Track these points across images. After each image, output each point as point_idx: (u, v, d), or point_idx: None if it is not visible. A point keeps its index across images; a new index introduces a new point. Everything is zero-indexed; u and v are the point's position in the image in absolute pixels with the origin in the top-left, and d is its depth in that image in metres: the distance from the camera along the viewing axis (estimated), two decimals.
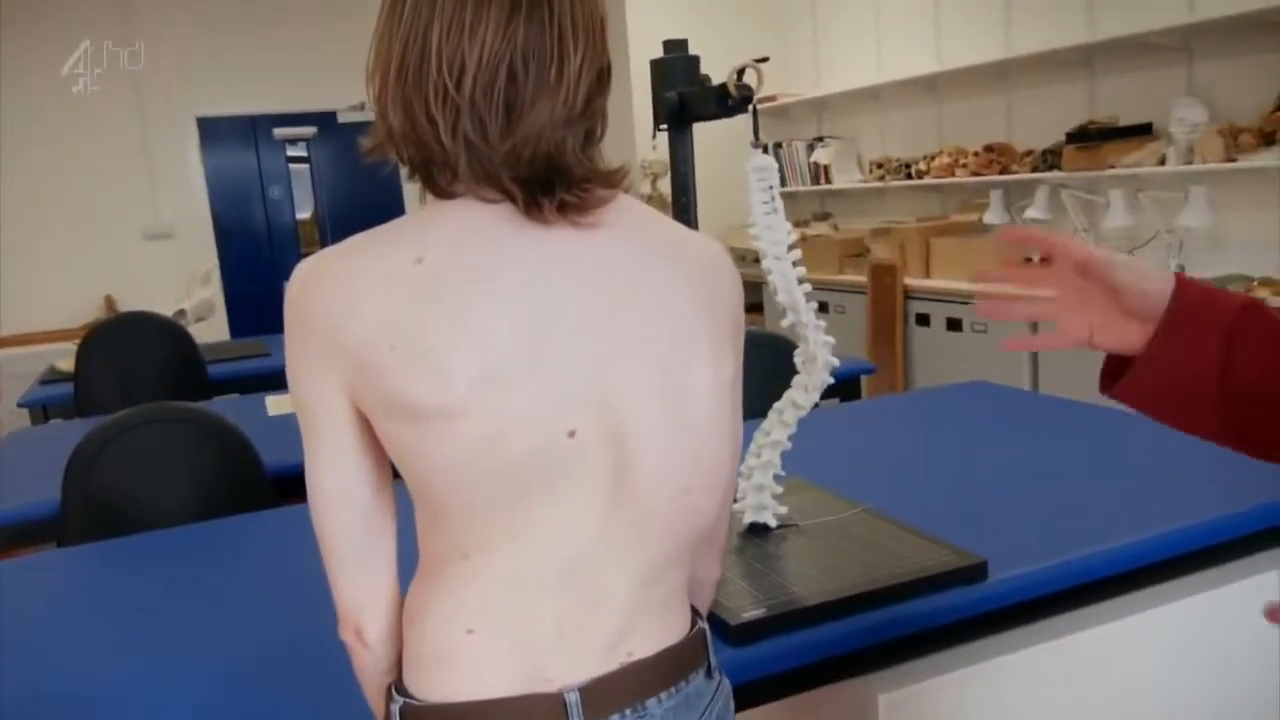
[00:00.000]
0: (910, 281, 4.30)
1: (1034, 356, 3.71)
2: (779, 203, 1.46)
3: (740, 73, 1.49)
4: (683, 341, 0.83)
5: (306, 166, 6.09)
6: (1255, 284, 3.19)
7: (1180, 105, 3.60)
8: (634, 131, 5.34)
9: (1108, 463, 1.83)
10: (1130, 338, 0.84)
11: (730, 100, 1.48)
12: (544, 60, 0.79)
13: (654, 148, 1.75)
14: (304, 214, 6.14)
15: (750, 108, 1.49)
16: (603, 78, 0.85)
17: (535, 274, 0.79)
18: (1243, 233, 3.55)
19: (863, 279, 4.49)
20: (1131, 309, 0.83)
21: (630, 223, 0.85)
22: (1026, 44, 4.29)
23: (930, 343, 4.20)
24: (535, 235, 0.80)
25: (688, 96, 1.56)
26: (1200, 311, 0.80)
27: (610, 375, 0.80)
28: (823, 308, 4.77)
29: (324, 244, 6.10)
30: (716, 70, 1.62)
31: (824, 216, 5.67)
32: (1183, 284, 0.81)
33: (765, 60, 1.50)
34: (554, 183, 0.80)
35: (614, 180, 0.86)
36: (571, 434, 0.78)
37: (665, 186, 5.19)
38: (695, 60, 1.62)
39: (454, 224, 0.80)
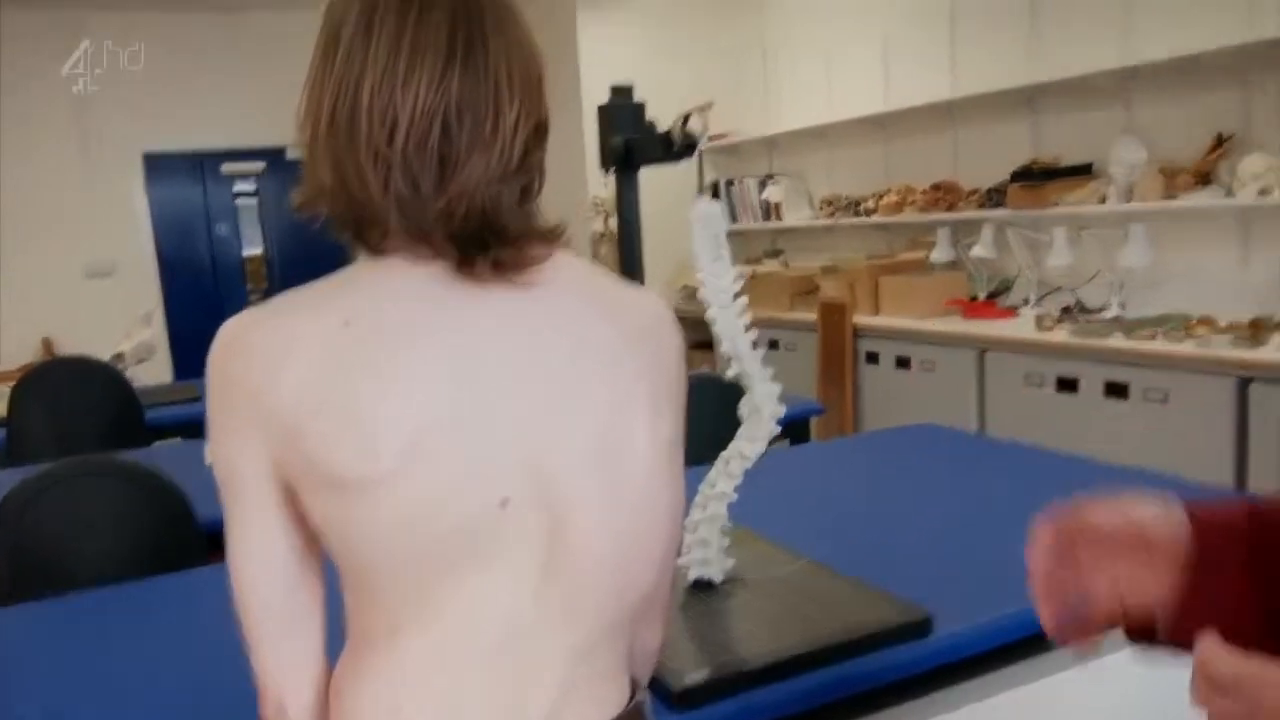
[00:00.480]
0: (859, 319, 4.33)
1: (980, 395, 3.74)
2: (725, 251, 1.45)
3: (685, 119, 1.49)
4: (620, 404, 0.81)
5: (255, 201, 6.02)
6: (1194, 322, 3.25)
7: (1120, 146, 3.67)
8: (586, 168, 5.36)
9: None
10: (1154, 589, 0.76)
11: (675, 147, 1.47)
12: (479, 114, 0.78)
13: (605, 185, 1.75)
14: (253, 250, 6.06)
15: (696, 154, 1.48)
16: (540, 131, 0.83)
17: (468, 336, 0.77)
18: (1181, 271, 3.63)
19: (813, 316, 4.52)
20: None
21: (568, 281, 0.83)
22: (971, 85, 4.37)
23: (879, 380, 4.23)
24: (469, 295, 0.78)
25: (634, 143, 1.56)
26: (1222, 545, 0.74)
27: (545, 441, 0.77)
28: (773, 345, 4.79)
29: (272, 280, 6.02)
30: (669, 107, 1.62)
31: (775, 253, 5.71)
32: (1195, 520, 0.75)
33: (710, 106, 1.50)
34: (489, 240, 0.78)
35: (551, 237, 0.84)
36: (504, 503, 0.76)
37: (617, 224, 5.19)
38: (640, 107, 1.61)
39: (384, 284, 0.78)
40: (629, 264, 1.63)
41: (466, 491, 0.75)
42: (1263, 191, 3.17)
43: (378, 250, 0.79)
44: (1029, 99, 4.15)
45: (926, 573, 1.51)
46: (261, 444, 0.75)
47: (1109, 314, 3.68)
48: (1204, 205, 3.38)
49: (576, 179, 5.51)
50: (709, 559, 1.45)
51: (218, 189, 5.84)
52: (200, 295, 5.71)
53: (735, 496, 1.46)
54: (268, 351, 0.75)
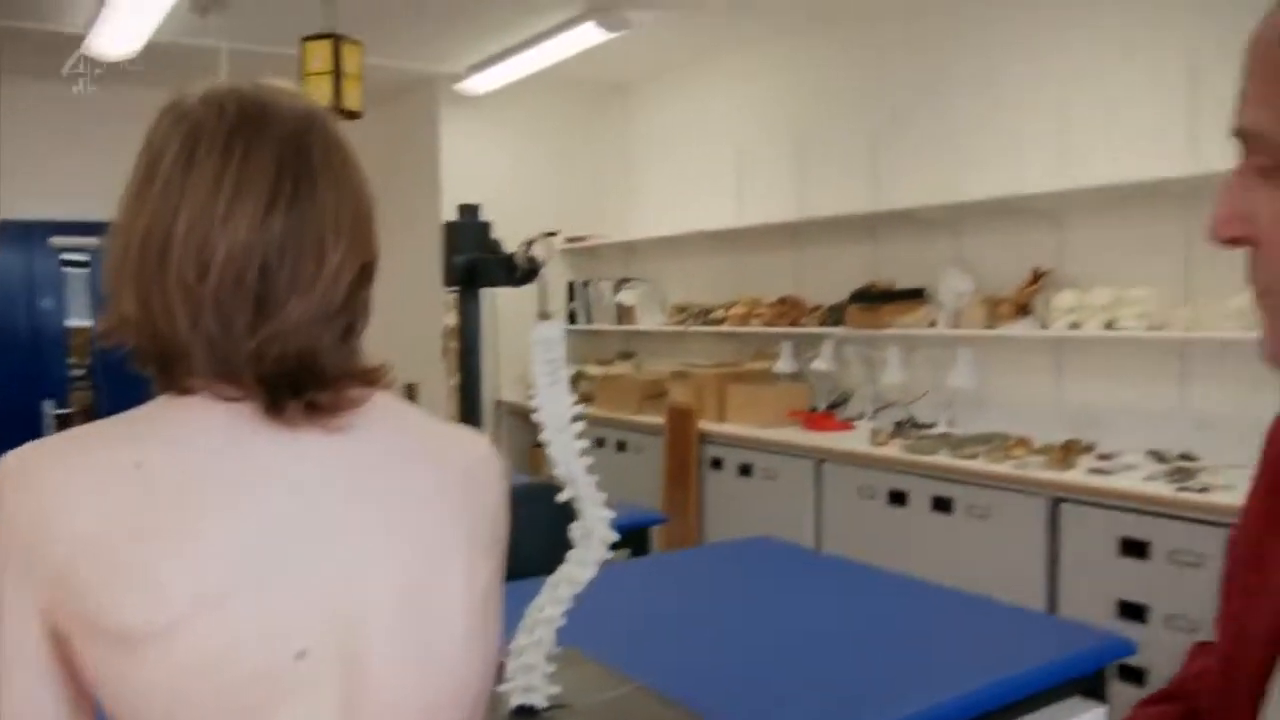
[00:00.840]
0: (706, 425, 4.42)
1: (817, 505, 3.85)
2: (563, 373, 1.47)
3: (530, 244, 1.51)
4: (434, 554, 0.79)
5: (85, 271, 5.71)
6: (1013, 442, 3.46)
7: (949, 275, 3.94)
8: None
9: (886, 627, 1.89)
10: None
11: (518, 271, 1.49)
12: (301, 255, 0.77)
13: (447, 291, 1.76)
14: (79, 321, 5.72)
15: (538, 280, 1.51)
16: (367, 271, 0.83)
17: (272, 485, 0.74)
18: (1002, 394, 3.88)
19: (661, 420, 4.58)
20: None
21: (386, 425, 0.83)
22: (818, 208, 4.62)
23: (723, 486, 4.31)
24: (276, 439, 0.76)
25: (477, 263, 1.57)
26: None
27: (349, 592, 0.75)
28: (621, 447, 4.84)
29: (95, 356, 5.68)
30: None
31: (627, 355, 5.80)
32: None
33: (554, 235, 1.54)
34: (304, 382, 0.76)
35: (372, 379, 0.83)
36: (300, 655, 0.73)
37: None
38: (486, 226, 1.64)
39: (184, 424, 0.75)
40: (468, 385, 1.62)
41: (260, 643, 0.72)
42: (1073, 325, 3.44)
43: (182, 388, 0.76)
44: (869, 226, 4.41)
45: (760, 692, 1.52)
46: (33, 592, 0.70)
47: (938, 430, 3.89)
48: (1022, 334, 3.64)
49: (436, 288, 5.48)
50: (533, 685, 1.43)
51: (44, 260, 5.53)
52: (17, 370, 5.35)
53: (563, 621, 1.44)
54: (49, 493, 0.70)
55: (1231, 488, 2.75)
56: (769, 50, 5.00)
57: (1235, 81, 0.60)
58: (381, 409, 0.83)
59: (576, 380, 5.46)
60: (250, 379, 0.75)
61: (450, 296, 5.20)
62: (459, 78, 5.34)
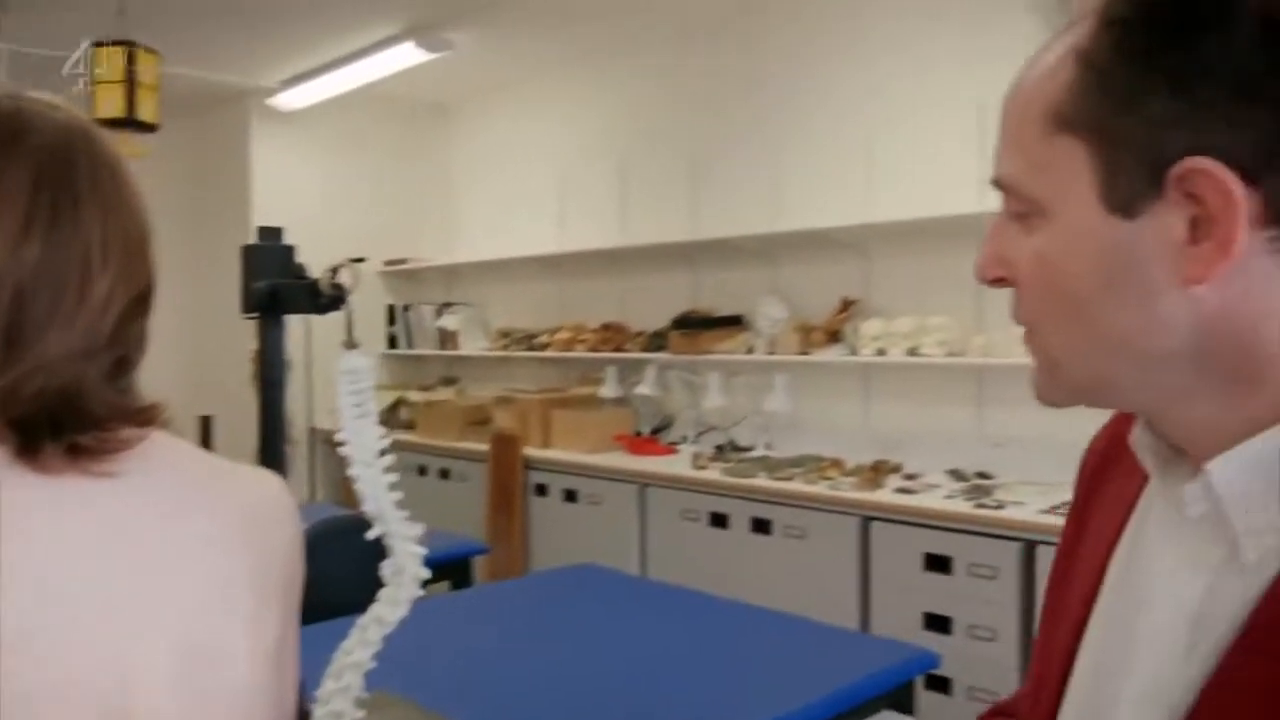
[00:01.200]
0: (530, 451, 4.38)
1: (642, 529, 3.87)
2: (371, 406, 1.40)
3: (336, 271, 1.45)
4: (215, 608, 0.73)
5: None
6: (826, 464, 3.59)
7: (765, 303, 4.06)
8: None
9: (707, 652, 1.91)
10: None
11: (323, 298, 1.42)
12: (62, 284, 0.70)
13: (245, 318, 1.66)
14: None
15: (344, 307, 1.44)
16: (141, 301, 0.76)
17: (25, 541, 0.66)
18: (816, 418, 4.02)
19: (485, 447, 4.51)
20: None
21: (161, 468, 0.75)
22: (639, 236, 4.68)
23: (548, 512, 4.27)
24: (30, 489, 0.68)
25: (280, 289, 1.49)
26: None
27: (120, 655, 0.68)
28: (444, 474, 4.72)
29: None
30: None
31: (450, 381, 5.68)
32: None
33: (361, 261, 1.47)
34: (65, 423, 0.69)
35: (146, 418, 0.76)
36: None
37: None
38: (289, 250, 1.56)
39: None
40: (270, 416, 1.53)
41: (21, 715, 0.64)
42: (880, 351, 3.61)
43: None
44: (689, 253, 4.50)
45: None
46: None
47: (757, 454, 3.99)
48: (833, 360, 3.79)
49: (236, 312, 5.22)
50: None
51: None
52: None
53: (373, 664, 1.37)
54: None
55: (1023, 504, 2.94)
56: (591, 75, 5.05)
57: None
58: (158, 450, 0.76)
59: (397, 407, 5.31)
60: (1, 420, 0.67)
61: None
62: (272, 92, 5.12)
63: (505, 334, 5.25)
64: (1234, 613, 0.56)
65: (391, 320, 5.72)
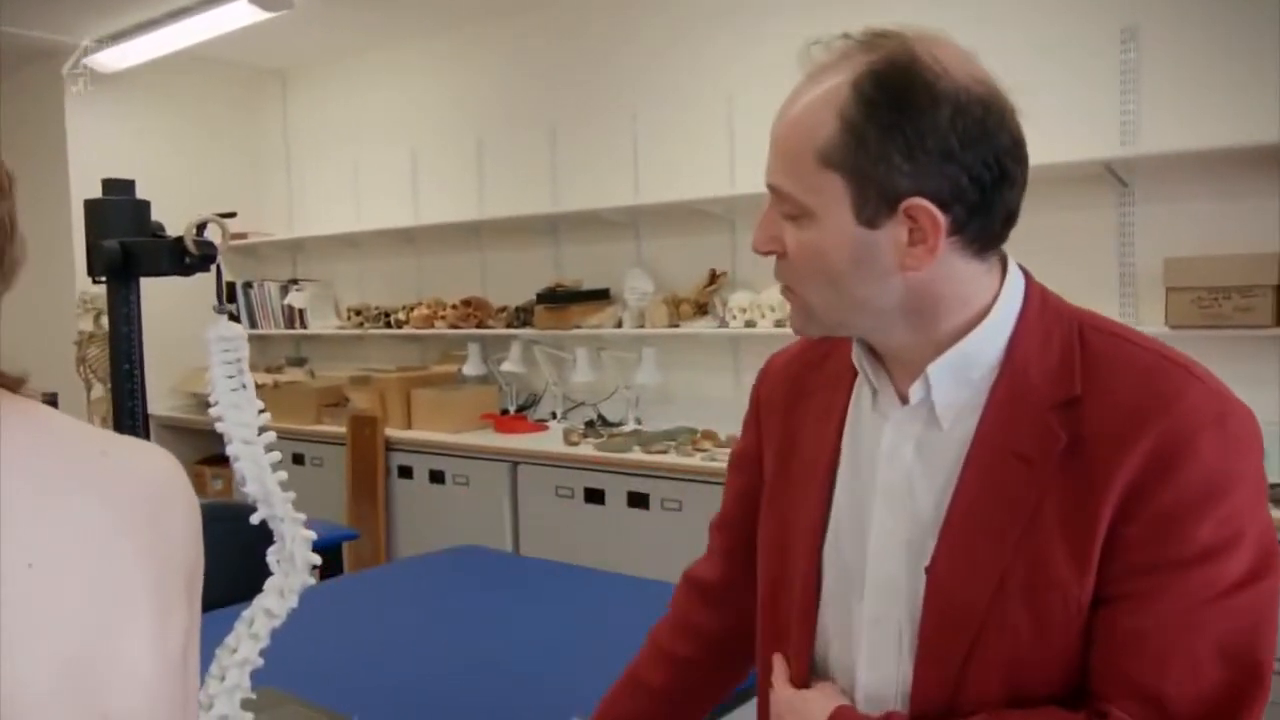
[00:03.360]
0: (391, 433, 4.20)
1: (514, 508, 3.77)
2: (248, 378, 1.26)
3: (201, 227, 1.29)
4: (108, 611, 0.60)
5: None
6: (699, 437, 3.58)
7: (631, 275, 4.01)
8: (75, 265, 4.68)
9: (603, 624, 1.84)
10: None
11: (189, 258, 1.27)
12: None
13: (94, 281, 1.47)
14: None
15: (213, 268, 1.29)
16: None
17: None
18: (686, 390, 4.01)
19: (342, 429, 4.29)
20: None
21: (30, 444, 0.62)
22: (499, 208, 4.54)
23: (413, 495, 4.10)
24: None
25: (134, 248, 1.32)
26: None
27: None
28: (298, 460, 4.46)
29: None
30: (174, 206, 1.40)
31: (299, 362, 5.39)
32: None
33: (232, 215, 1.32)
34: None
35: (6, 384, 0.62)
36: None
37: None
38: (144, 206, 1.38)
39: None
40: (124, 386, 1.36)
41: None
42: (748, 323, 3.62)
43: None
44: (552, 226, 4.40)
45: (473, 713, 1.40)
46: None
47: (627, 428, 3.94)
48: (702, 332, 3.77)
49: (64, 277, 4.80)
50: None
51: None
52: None
53: (261, 661, 1.24)
54: None
55: None
56: (443, 41, 4.84)
57: None
58: (25, 420, 0.62)
59: None
60: None
61: (89, 296, 4.50)
62: (88, 51, 4.68)
63: (357, 311, 5.01)
64: (943, 462, 0.89)
65: (231, 297, 5.37)
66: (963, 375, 0.89)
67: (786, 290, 0.93)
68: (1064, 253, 3.14)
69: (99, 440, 0.67)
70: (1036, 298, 0.92)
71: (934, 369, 0.89)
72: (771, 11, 3.71)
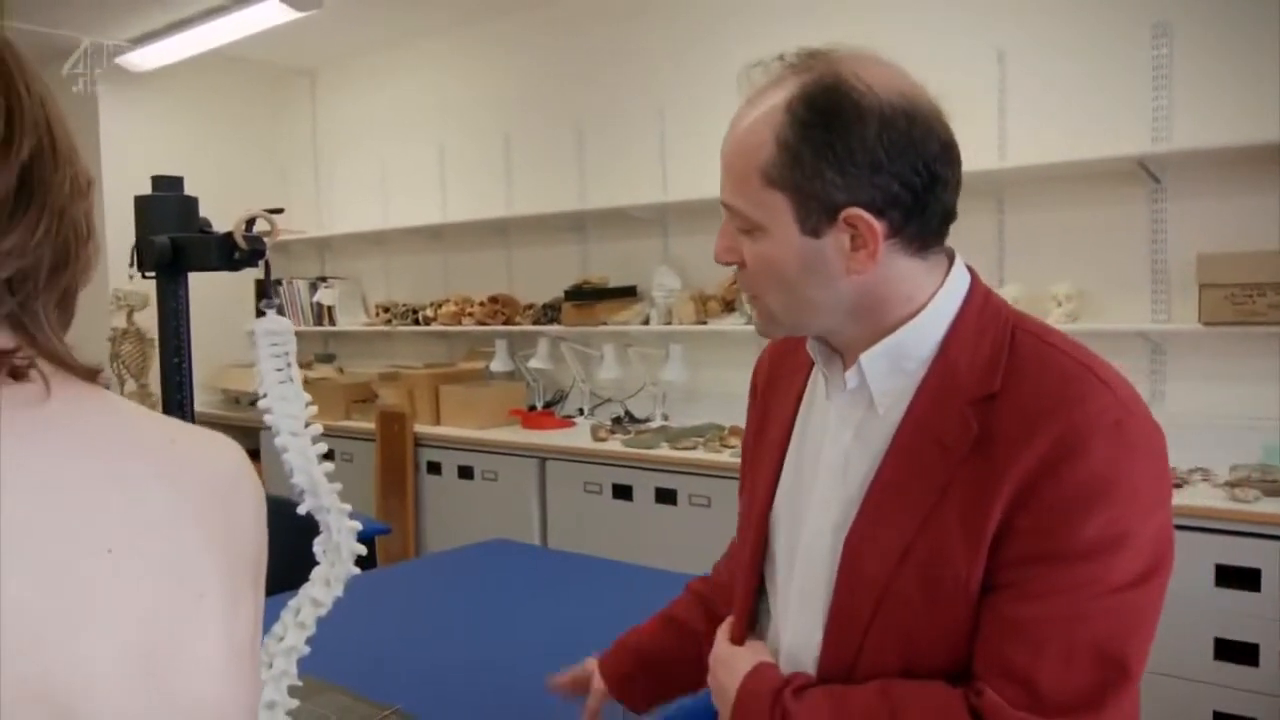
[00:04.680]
0: (420, 429, 4.23)
1: (542, 503, 3.79)
2: (295, 371, 1.29)
3: (250, 223, 1.31)
4: (180, 597, 0.60)
5: None
6: (727, 433, 3.59)
7: (659, 272, 4.02)
8: (107, 261, 4.73)
9: (637, 617, 1.85)
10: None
11: (238, 253, 1.29)
12: None
13: (131, 278, 1.49)
14: None
15: (261, 263, 1.31)
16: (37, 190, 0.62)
17: None
18: (714, 387, 4.01)
19: (371, 425, 4.33)
20: None
21: (105, 431, 0.63)
22: (526, 206, 4.56)
23: (442, 491, 4.14)
24: None
25: (184, 244, 1.35)
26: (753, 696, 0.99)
27: (62, 657, 0.56)
28: (329, 456, 4.49)
29: None
30: (207, 204, 1.43)
31: (328, 358, 5.44)
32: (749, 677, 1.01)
33: (280, 211, 1.34)
34: None
35: (81, 371, 0.64)
36: None
37: (144, 320, 4.62)
38: (192, 202, 1.41)
39: None
40: (172, 379, 1.39)
41: None
42: None
43: None
44: (579, 223, 4.42)
45: (511, 707, 1.42)
46: None
47: (654, 424, 3.96)
48: (730, 329, 3.78)
49: (97, 275, 4.83)
50: None
51: None
52: None
53: (308, 650, 1.26)
54: None
55: None
56: (471, 38, 4.87)
57: None
58: (96, 406, 0.64)
59: None
60: None
61: (122, 293, 4.55)
62: (121, 50, 4.74)
63: (386, 308, 5.05)
64: (874, 444, 0.96)
65: (262, 295, 5.42)
66: (896, 364, 0.95)
67: (751, 297, 1.02)
68: (1096, 249, 3.13)
69: (168, 429, 0.68)
70: (979, 297, 0.97)
71: (866, 358, 0.96)
72: (798, 8, 3.71)
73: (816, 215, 0.91)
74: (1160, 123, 3.01)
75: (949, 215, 0.94)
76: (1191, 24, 2.96)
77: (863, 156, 0.88)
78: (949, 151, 0.92)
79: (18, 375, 0.59)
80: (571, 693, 1.33)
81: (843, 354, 1.01)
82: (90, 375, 0.66)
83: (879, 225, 0.90)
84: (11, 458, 0.57)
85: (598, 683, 1.28)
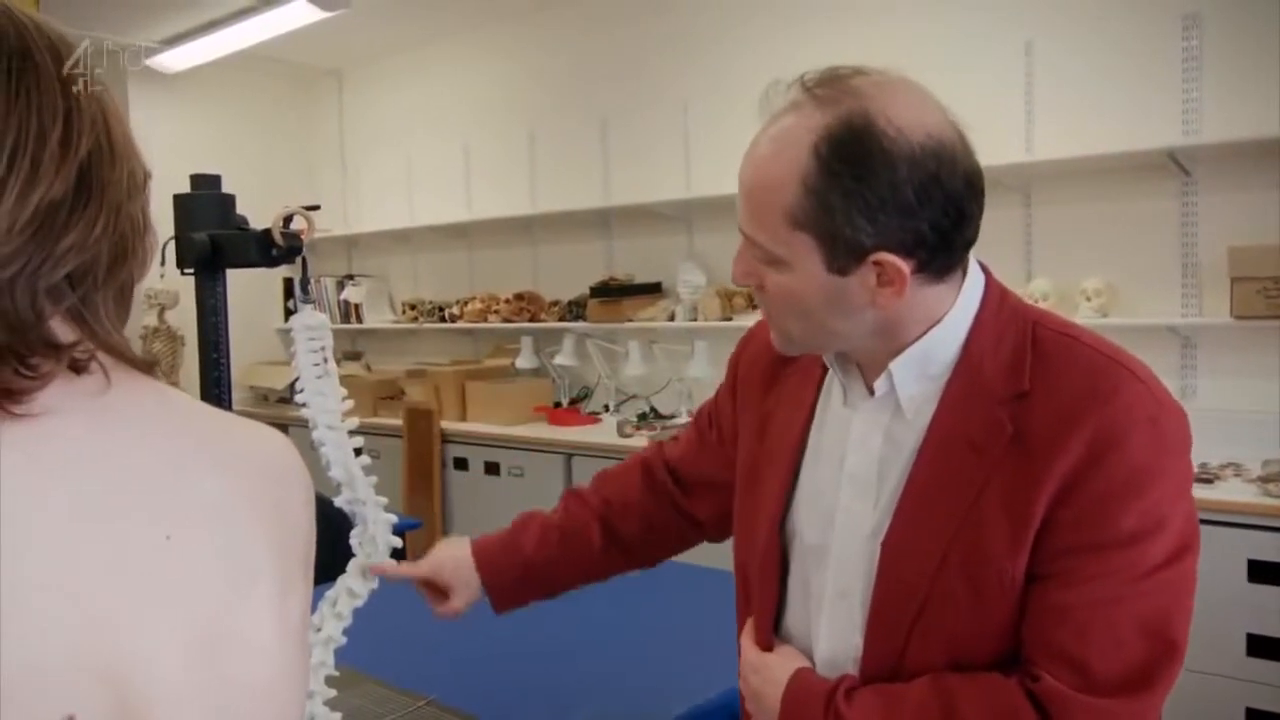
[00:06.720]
0: (447, 425, 4.26)
1: None
2: (332, 365, 1.31)
3: (288, 220, 1.33)
4: (236, 581, 0.62)
5: None
6: None
7: (684, 269, 4.02)
8: None
9: (681, 611, 1.86)
10: None
11: (276, 250, 1.31)
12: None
13: (161, 276, 1.52)
14: None
15: (299, 259, 1.33)
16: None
17: None
18: None
19: (398, 422, 4.36)
20: None
21: (164, 422, 0.65)
22: (550, 203, 4.58)
23: (469, 487, 4.16)
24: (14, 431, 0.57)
25: (222, 240, 1.37)
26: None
27: (122, 637, 0.57)
28: (357, 452, 4.53)
29: None
30: (240, 208, 1.45)
31: (355, 356, 5.49)
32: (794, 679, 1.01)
33: (316, 208, 1.36)
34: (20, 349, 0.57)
35: (141, 364, 0.66)
36: None
37: (175, 319, 4.68)
38: (230, 200, 1.43)
39: None
40: (210, 375, 1.41)
41: (12, 709, 0.54)
42: None
43: None
44: (604, 220, 4.43)
45: (541, 702, 1.43)
46: None
47: (680, 420, 3.96)
48: None
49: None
50: (314, 713, 1.25)
51: None
52: None
53: (344, 640, 1.28)
54: None
55: None
56: (494, 36, 4.90)
57: None
58: (149, 399, 0.65)
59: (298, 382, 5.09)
60: None
61: (154, 291, 4.61)
62: (151, 51, 4.80)
63: (412, 306, 5.08)
64: (906, 449, 0.97)
65: (289, 294, 5.48)
66: (922, 370, 0.97)
67: (770, 322, 1.03)
68: (1126, 242, 3.11)
69: (222, 421, 0.70)
70: (995, 297, 0.98)
71: (896, 365, 0.97)
72: (825, 3, 3.70)
73: (844, 257, 0.91)
74: (1191, 115, 2.98)
75: (970, 243, 0.95)
76: (1222, 15, 2.93)
77: (892, 204, 0.88)
78: (975, 184, 0.93)
79: (79, 368, 0.61)
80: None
81: (860, 364, 1.03)
82: (147, 367, 0.68)
83: (906, 265, 0.90)
84: (77, 446, 0.59)
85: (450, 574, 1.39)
